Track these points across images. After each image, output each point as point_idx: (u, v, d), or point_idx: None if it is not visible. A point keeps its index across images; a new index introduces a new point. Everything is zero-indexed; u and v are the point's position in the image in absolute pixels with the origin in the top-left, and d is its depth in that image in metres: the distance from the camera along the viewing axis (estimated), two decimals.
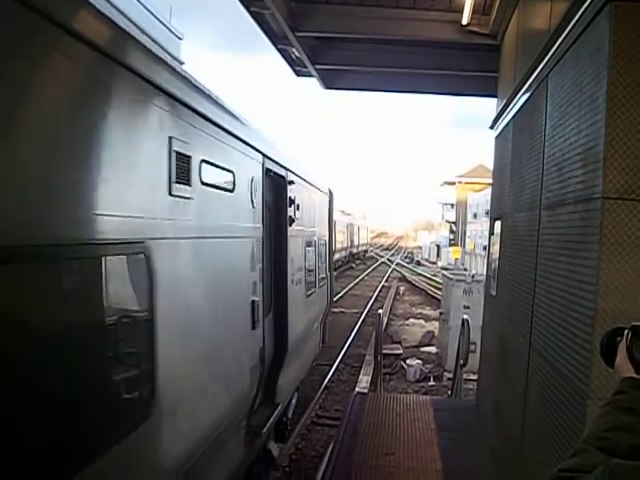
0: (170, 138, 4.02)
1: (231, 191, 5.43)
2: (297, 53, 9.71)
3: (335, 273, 19.04)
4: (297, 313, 8.68)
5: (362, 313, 24.59)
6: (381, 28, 8.60)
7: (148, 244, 3.68)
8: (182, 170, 4.20)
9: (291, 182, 8.07)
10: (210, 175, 4.80)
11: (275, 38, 9.26)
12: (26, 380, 2.68)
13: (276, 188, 7.54)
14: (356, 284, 37.84)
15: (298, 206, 8.45)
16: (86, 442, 3.06)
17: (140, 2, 6.37)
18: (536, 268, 5.04)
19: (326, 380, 14.22)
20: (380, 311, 12.67)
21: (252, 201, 6.11)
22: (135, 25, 5.08)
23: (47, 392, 2.83)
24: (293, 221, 8.17)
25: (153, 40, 6.16)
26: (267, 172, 6.76)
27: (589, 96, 3.76)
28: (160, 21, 7.46)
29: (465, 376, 11.39)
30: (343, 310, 25.39)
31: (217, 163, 5.01)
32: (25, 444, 2.62)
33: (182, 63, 8.05)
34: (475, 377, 10.38)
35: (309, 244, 9.88)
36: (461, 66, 9.62)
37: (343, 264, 47.47)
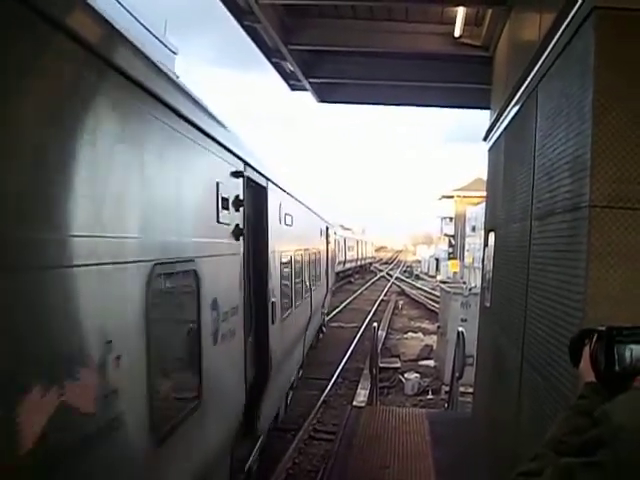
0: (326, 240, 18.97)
1: (325, 236, 18.71)
2: (291, 67, 9.75)
3: (341, 282, 34.97)
4: (331, 279, 21.08)
5: (360, 327, 24.50)
6: (374, 41, 8.65)
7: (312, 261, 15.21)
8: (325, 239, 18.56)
9: (329, 228, 19.63)
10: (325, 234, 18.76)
11: (269, 52, 9.29)
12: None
13: (326, 232, 18.62)
14: (355, 298, 37.75)
15: (329, 237, 19.58)
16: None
17: (133, 15, 6.36)
18: (528, 279, 5.02)
19: (324, 394, 14.15)
20: (375, 324, 12.64)
21: (325, 238, 18.67)
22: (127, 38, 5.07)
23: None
24: (329, 243, 19.53)
25: (146, 54, 6.14)
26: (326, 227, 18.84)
27: (576, 105, 3.76)
28: (154, 35, 7.46)
29: (463, 389, 11.33)
30: (342, 325, 25.29)
31: (322, 229, 17.94)
32: None
33: (177, 77, 8.09)
34: (472, 390, 10.31)
35: (332, 257, 21.36)
36: (455, 78, 9.67)
37: (353, 272, 57.51)
